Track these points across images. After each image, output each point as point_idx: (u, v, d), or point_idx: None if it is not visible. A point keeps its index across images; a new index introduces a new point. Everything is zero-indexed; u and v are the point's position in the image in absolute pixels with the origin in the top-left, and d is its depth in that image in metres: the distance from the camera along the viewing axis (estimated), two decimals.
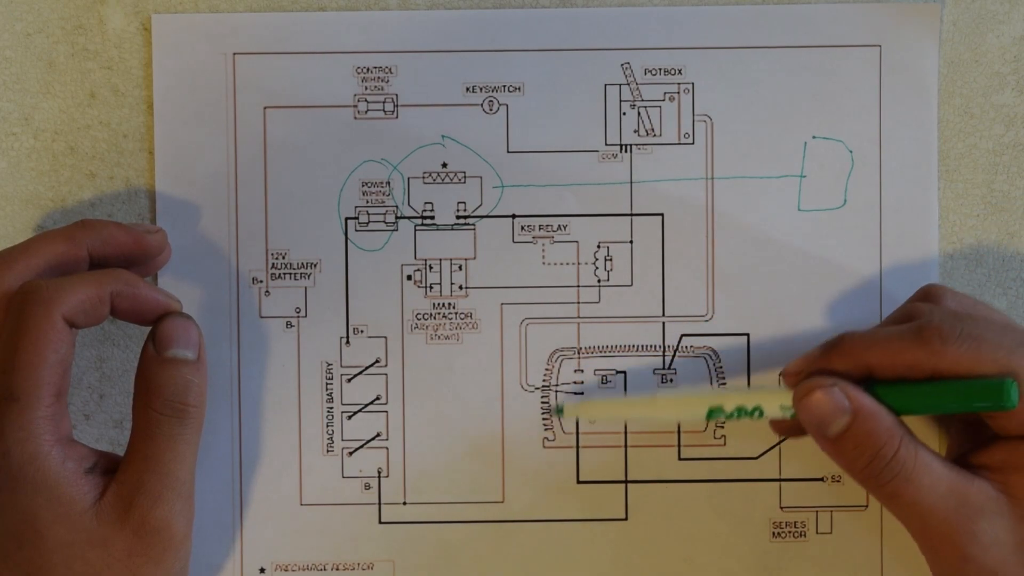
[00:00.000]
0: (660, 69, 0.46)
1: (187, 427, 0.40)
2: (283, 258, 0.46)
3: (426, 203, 0.46)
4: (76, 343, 0.41)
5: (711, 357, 0.46)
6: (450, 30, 0.46)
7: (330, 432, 0.46)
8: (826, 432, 0.39)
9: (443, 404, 0.46)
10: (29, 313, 0.39)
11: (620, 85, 0.46)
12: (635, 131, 0.46)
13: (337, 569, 0.46)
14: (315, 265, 0.46)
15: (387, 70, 0.46)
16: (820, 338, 0.45)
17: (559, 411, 0.44)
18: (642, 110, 0.46)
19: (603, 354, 0.46)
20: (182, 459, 0.40)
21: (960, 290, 0.46)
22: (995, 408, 0.38)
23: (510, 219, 0.46)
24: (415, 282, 0.46)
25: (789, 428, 0.43)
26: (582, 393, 0.46)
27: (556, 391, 0.46)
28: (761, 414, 0.41)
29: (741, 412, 0.41)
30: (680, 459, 0.46)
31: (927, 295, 0.43)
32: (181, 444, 0.40)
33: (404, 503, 0.46)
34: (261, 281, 0.46)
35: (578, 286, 0.46)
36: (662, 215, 0.46)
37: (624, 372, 0.46)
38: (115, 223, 0.42)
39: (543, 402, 0.46)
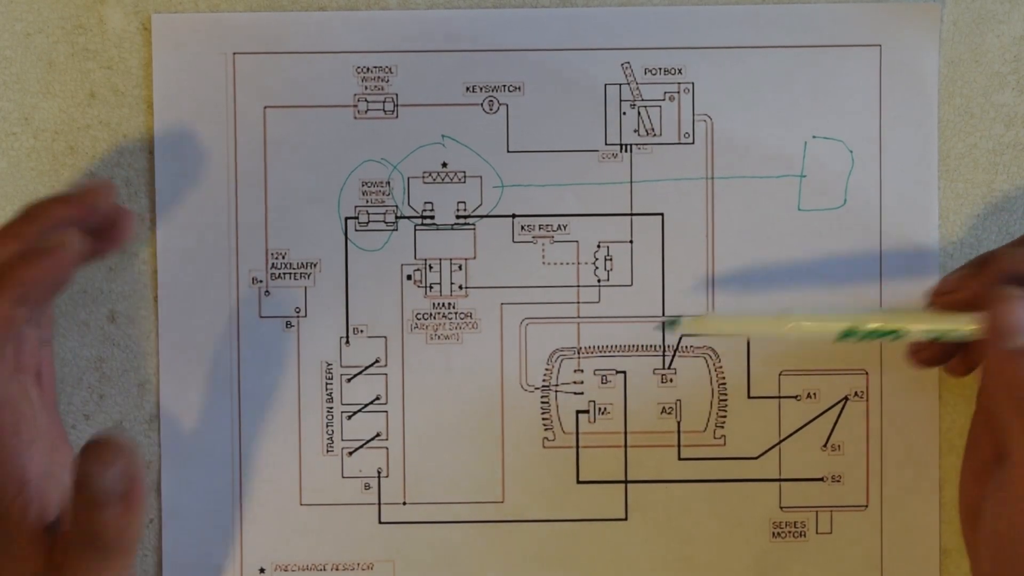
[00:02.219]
0: (660, 69, 0.46)
1: (113, 567, 0.36)
2: (283, 258, 0.46)
3: (426, 203, 0.46)
4: (77, 344, 0.40)
5: (711, 357, 0.46)
6: (450, 30, 0.46)
7: (330, 432, 0.46)
8: (1006, 343, 0.38)
9: (443, 404, 0.46)
10: None
11: (620, 85, 0.46)
12: (635, 131, 0.46)
13: (337, 569, 0.46)
14: (315, 265, 0.46)
15: (387, 70, 0.46)
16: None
17: (672, 323, 0.43)
18: (642, 110, 0.46)
19: (603, 354, 0.46)
20: None
21: None
22: None
23: (510, 219, 0.46)
24: (415, 282, 0.46)
25: (927, 356, 0.42)
26: (582, 394, 0.46)
27: (556, 391, 0.46)
28: (897, 336, 0.40)
29: (877, 334, 0.40)
30: (680, 459, 0.46)
31: None
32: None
33: (404, 503, 0.46)
34: (261, 281, 0.46)
35: (578, 286, 0.46)
36: (662, 215, 0.46)
37: (624, 372, 0.46)
38: (60, 199, 0.40)
39: (543, 402, 0.46)
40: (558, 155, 0.46)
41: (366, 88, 0.46)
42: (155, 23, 0.45)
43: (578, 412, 0.46)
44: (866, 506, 0.46)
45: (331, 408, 0.46)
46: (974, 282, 0.40)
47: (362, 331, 0.46)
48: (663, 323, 0.44)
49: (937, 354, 0.41)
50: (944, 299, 0.41)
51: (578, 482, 0.46)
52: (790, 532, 0.46)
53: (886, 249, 0.46)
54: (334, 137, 0.46)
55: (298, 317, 0.46)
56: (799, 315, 0.41)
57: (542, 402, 0.46)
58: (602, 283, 0.46)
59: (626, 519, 0.46)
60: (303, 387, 0.46)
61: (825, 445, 0.46)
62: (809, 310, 0.44)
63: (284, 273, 0.46)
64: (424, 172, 0.46)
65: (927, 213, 0.46)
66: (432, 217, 0.46)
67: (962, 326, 0.40)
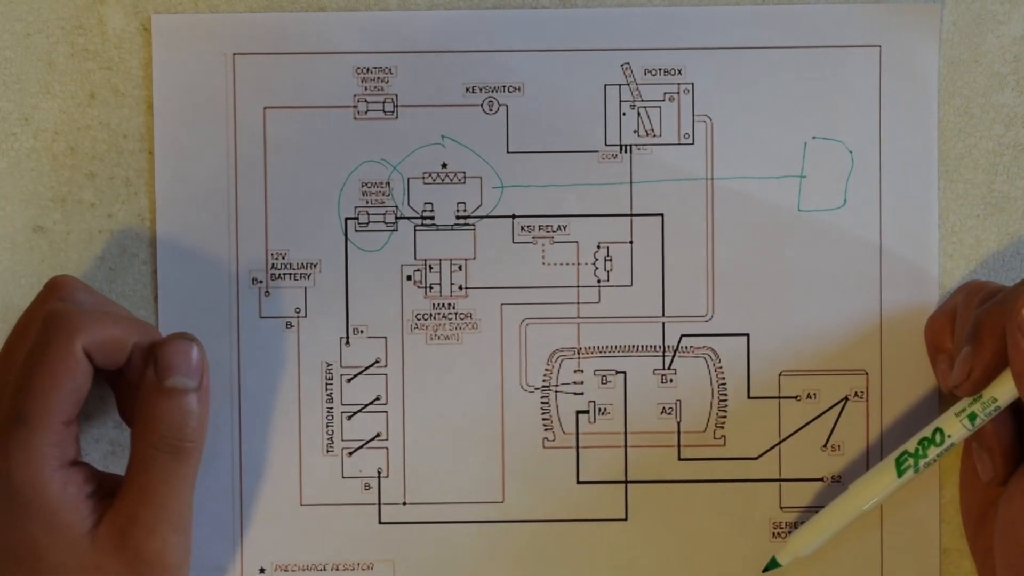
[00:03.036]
0: (660, 69, 0.46)
1: (184, 463, 0.40)
2: (283, 258, 0.46)
3: (426, 203, 0.46)
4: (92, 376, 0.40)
5: (711, 357, 0.46)
6: (450, 30, 0.46)
7: (330, 432, 0.46)
8: None
9: (443, 404, 0.46)
10: (51, 338, 0.39)
11: (620, 85, 0.46)
12: (635, 131, 0.46)
13: (337, 569, 0.46)
14: (315, 265, 0.46)
15: (387, 70, 0.46)
16: (820, 338, 0.45)
17: (772, 566, 0.44)
18: (642, 110, 0.46)
19: (603, 354, 0.46)
20: (178, 494, 0.40)
21: None
22: None
23: (510, 219, 0.46)
24: (415, 282, 0.46)
25: (986, 445, 0.42)
26: (582, 394, 0.46)
27: (556, 391, 0.46)
28: (944, 438, 0.42)
29: (926, 444, 0.42)
30: (680, 459, 0.46)
31: None
32: (176, 479, 0.40)
33: (404, 503, 0.46)
34: (261, 281, 0.46)
35: (578, 286, 0.46)
36: (662, 215, 0.46)
37: (624, 372, 0.46)
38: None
39: (543, 402, 0.46)
40: (558, 155, 0.46)
41: (366, 89, 0.46)
42: (155, 23, 0.45)
43: (578, 412, 0.46)
44: None
45: (331, 408, 0.46)
46: (982, 352, 0.40)
47: (362, 331, 0.46)
48: (764, 571, 0.45)
49: (990, 437, 0.42)
50: (968, 384, 0.41)
51: (578, 482, 0.46)
52: (790, 532, 0.46)
53: (886, 249, 0.46)
54: (334, 137, 0.46)
55: (298, 317, 0.46)
56: (857, 481, 0.43)
57: (542, 402, 0.46)
58: (602, 283, 0.46)
59: (626, 519, 0.46)
60: (303, 387, 0.46)
61: (825, 445, 0.46)
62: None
63: (284, 273, 0.46)
64: (424, 172, 0.46)
65: (927, 213, 0.46)
66: (432, 217, 0.46)
67: (1002, 394, 0.41)
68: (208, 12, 0.46)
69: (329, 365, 0.46)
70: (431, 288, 0.46)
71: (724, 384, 0.46)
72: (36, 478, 0.38)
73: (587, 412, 0.46)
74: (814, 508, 0.46)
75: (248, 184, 0.46)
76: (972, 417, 0.41)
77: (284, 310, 0.46)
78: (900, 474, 0.42)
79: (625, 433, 0.46)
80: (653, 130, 0.46)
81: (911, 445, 0.42)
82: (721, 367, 0.46)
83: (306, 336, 0.46)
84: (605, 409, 0.46)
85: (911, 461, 0.42)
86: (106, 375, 0.42)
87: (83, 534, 0.39)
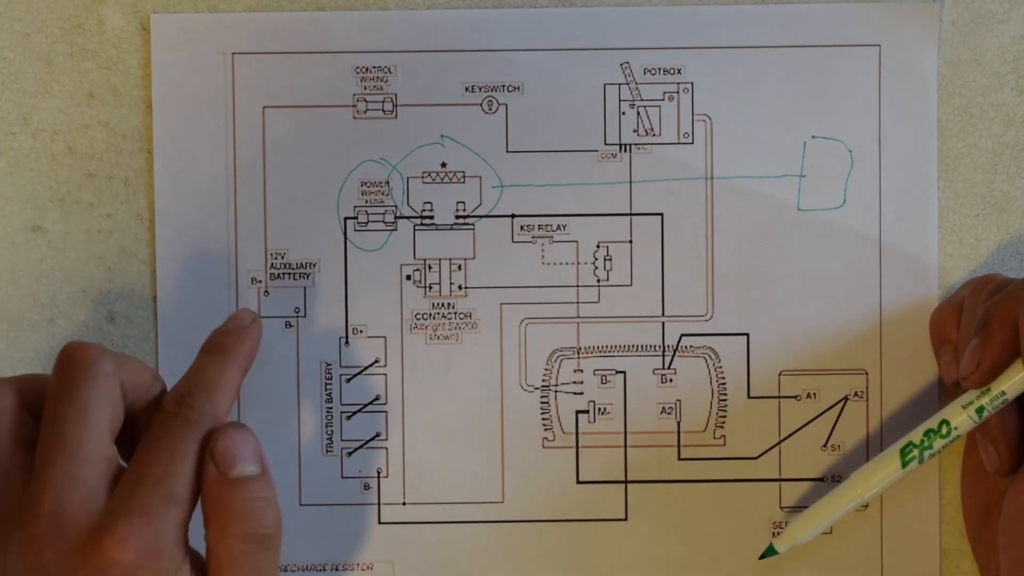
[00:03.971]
0: (660, 69, 0.46)
1: (273, 552, 0.38)
2: (282, 258, 0.46)
3: (425, 203, 0.46)
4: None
5: (711, 357, 0.46)
6: (449, 30, 0.45)
7: (329, 432, 0.46)
8: None
9: (443, 404, 0.46)
10: (197, 428, 0.38)
11: (620, 85, 0.46)
12: (635, 131, 0.46)
13: (337, 569, 0.46)
14: (314, 265, 0.46)
15: (386, 70, 0.46)
16: (820, 338, 0.45)
17: (770, 553, 0.44)
18: (641, 110, 0.46)
19: (603, 354, 0.46)
20: None
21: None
22: None
23: (509, 219, 0.46)
24: (414, 282, 0.46)
25: (991, 435, 0.42)
26: (582, 394, 0.46)
27: (556, 391, 0.46)
28: (949, 430, 0.41)
29: (931, 435, 0.42)
30: (680, 459, 0.46)
31: None
32: (267, 570, 0.38)
33: (404, 503, 0.46)
34: (260, 281, 0.46)
35: (578, 286, 0.46)
36: (662, 215, 0.46)
37: (624, 372, 0.46)
38: (238, 335, 0.42)
39: (543, 402, 0.46)
40: (558, 155, 0.46)
41: (365, 88, 0.46)
42: (154, 23, 0.45)
43: (578, 412, 0.46)
44: (866, 506, 0.46)
45: (331, 408, 0.46)
46: (992, 344, 0.40)
47: (362, 331, 0.46)
48: (761, 558, 0.45)
49: (994, 428, 0.41)
50: (976, 376, 0.40)
51: (578, 482, 0.46)
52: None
53: (886, 249, 0.46)
54: (333, 137, 0.46)
55: (298, 317, 0.46)
56: (859, 472, 0.43)
57: (542, 402, 0.46)
58: (602, 283, 0.46)
59: (626, 519, 0.46)
60: (302, 387, 0.46)
61: (825, 445, 0.46)
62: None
63: (284, 273, 0.46)
64: (423, 172, 0.46)
65: (927, 213, 0.46)
66: (431, 217, 0.46)
67: (1012, 388, 0.40)
68: (207, 12, 0.46)
69: (328, 365, 0.46)
70: (431, 288, 0.46)
71: (724, 384, 0.46)
72: (179, 559, 0.37)
73: (587, 412, 0.46)
74: None
75: (247, 184, 0.46)
76: (980, 410, 0.41)
77: (283, 310, 0.46)
78: (904, 464, 0.42)
79: (625, 433, 0.46)
80: (653, 129, 0.46)
81: (916, 436, 0.42)
82: (721, 367, 0.46)
83: (305, 336, 0.46)
84: (605, 409, 0.46)
85: (915, 452, 0.42)
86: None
87: None
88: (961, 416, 0.41)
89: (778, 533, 0.46)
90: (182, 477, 0.37)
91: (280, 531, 0.38)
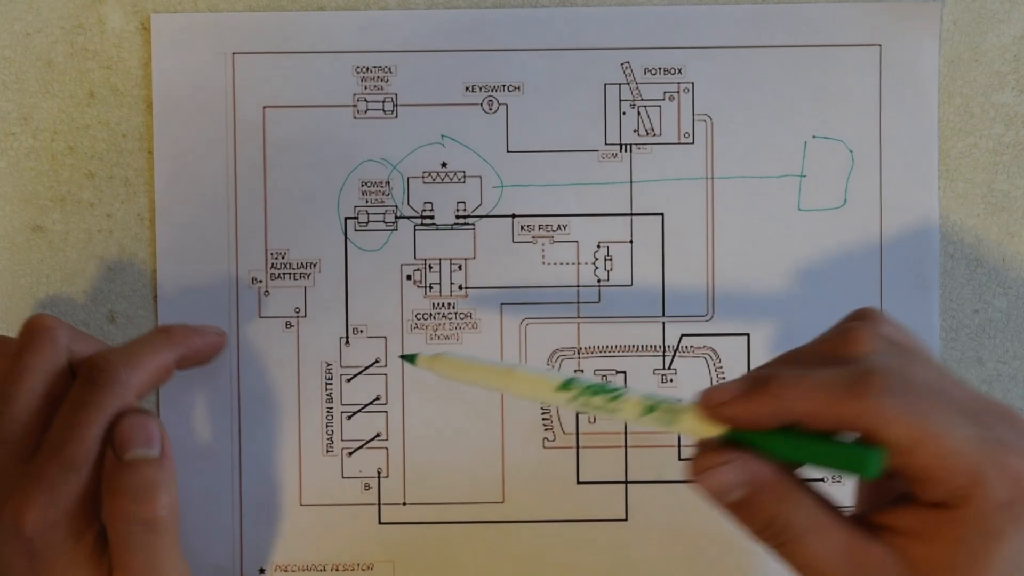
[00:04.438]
0: (660, 69, 0.46)
1: (160, 536, 0.38)
2: (282, 258, 0.46)
3: (426, 203, 0.46)
4: (81, 350, 0.40)
5: (711, 357, 0.46)
6: (450, 30, 0.45)
7: (330, 432, 0.46)
8: (724, 500, 0.35)
9: (443, 404, 0.46)
10: (106, 395, 0.38)
11: (620, 85, 0.46)
12: (635, 131, 0.46)
13: (337, 569, 0.46)
14: (315, 265, 0.46)
15: (387, 70, 0.46)
16: None
17: (410, 359, 0.40)
18: (642, 110, 0.46)
19: (603, 354, 0.46)
20: (164, 566, 0.38)
21: (960, 291, 0.46)
22: (857, 474, 0.34)
23: (510, 219, 0.46)
24: (415, 282, 0.46)
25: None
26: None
27: None
28: (617, 396, 0.36)
29: (596, 390, 0.37)
30: (680, 459, 0.46)
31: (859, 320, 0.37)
32: (159, 553, 0.38)
33: (404, 503, 0.46)
34: (260, 281, 0.46)
35: (578, 286, 0.46)
36: (662, 215, 0.46)
37: (624, 372, 0.46)
38: (190, 329, 0.43)
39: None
40: (558, 155, 0.46)
41: (366, 88, 0.46)
42: (154, 23, 0.45)
43: (578, 412, 0.46)
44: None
45: (331, 408, 0.46)
46: (736, 409, 0.35)
47: (362, 331, 0.46)
48: (401, 357, 0.44)
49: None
50: (710, 412, 0.36)
51: (578, 482, 0.46)
52: None
53: (886, 249, 0.46)
54: (334, 137, 0.46)
55: (298, 317, 0.46)
56: (524, 367, 0.38)
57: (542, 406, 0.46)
58: (602, 283, 0.46)
59: (626, 519, 0.46)
60: (303, 387, 0.46)
61: None
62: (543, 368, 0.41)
63: (284, 273, 0.46)
64: (424, 172, 0.46)
65: (927, 213, 0.46)
66: (432, 217, 0.46)
67: (680, 412, 0.36)
68: (208, 11, 0.46)
69: (329, 365, 0.46)
70: (431, 288, 0.46)
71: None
72: (82, 529, 0.37)
73: (587, 412, 0.46)
74: None
75: (248, 183, 0.46)
76: (651, 409, 0.36)
77: (284, 310, 0.46)
78: (564, 387, 0.37)
79: (625, 433, 0.46)
80: (653, 129, 0.46)
81: (583, 382, 0.37)
82: (721, 367, 0.46)
83: (306, 336, 0.46)
84: None
85: (577, 389, 0.37)
86: None
87: None
88: (636, 399, 0.36)
89: None
90: (82, 444, 0.37)
91: (174, 517, 0.38)
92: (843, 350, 0.35)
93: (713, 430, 0.35)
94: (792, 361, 0.36)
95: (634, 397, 0.36)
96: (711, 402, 0.35)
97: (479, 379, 0.38)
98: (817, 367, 0.35)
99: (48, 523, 0.37)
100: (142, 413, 0.39)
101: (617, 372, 0.46)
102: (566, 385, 0.37)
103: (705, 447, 0.35)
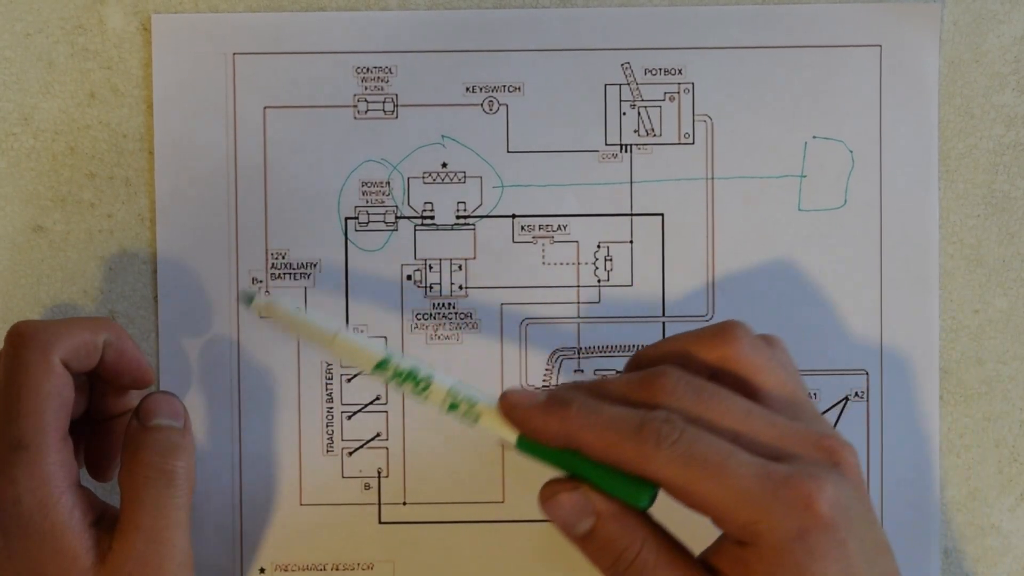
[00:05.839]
0: (660, 69, 0.46)
1: (175, 491, 0.39)
2: (283, 258, 0.46)
3: (426, 203, 0.46)
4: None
5: None
6: (450, 30, 0.45)
7: (330, 432, 0.46)
8: (572, 532, 0.36)
9: None
10: (27, 358, 0.39)
11: (620, 85, 0.46)
12: (635, 131, 0.46)
13: (337, 569, 0.46)
14: (315, 265, 0.46)
15: (387, 70, 0.46)
16: (820, 338, 0.45)
17: (248, 299, 0.40)
18: (642, 110, 0.46)
19: (603, 354, 0.46)
20: (176, 526, 0.39)
21: (960, 291, 0.46)
22: (631, 503, 0.35)
23: (510, 219, 0.46)
24: (415, 282, 0.46)
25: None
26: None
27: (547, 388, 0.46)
28: (427, 387, 0.37)
29: (407, 377, 0.37)
30: None
31: (722, 336, 0.38)
32: (172, 510, 0.39)
33: (404, 503, 0.46)
34: (261, 281, 0.46)
35: (578, 286, 0.46)
36: (662, 215, 0.46)
37: None
38: (133, 343, 0.42)
39: None
40: (558, 155, 0.46)
41: (366, 88, 0.46)
42: (155, 23, 0.45)
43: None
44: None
45: (331, 408, 0.46)
46: (530, 417, 0.36)
47: (362, 331, 0.46)
48: (239, 294, 0.43)
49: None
50: (506, 408, 0.36)
51: None
52: None
53: (886, 249, 0.46)
54: (334, 137, 0.46)
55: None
56: (348, 335, 0.38)
57: None
58: (602, 283, 0.46)
59: None
60: (303, 387, 0.46)
61: None
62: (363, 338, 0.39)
63: (284, 273, 0.46)
64: (424, 172, 0.46)
65: (927, 213, 0.46)
66: (432, 217, 0.46)
67: (480, 410, 0.37)
68: (208, 12, 0.46)
69: (329, 365, 0.46)
70: (431, 288, 0.46)
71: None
72: (46, 501, 0.38)
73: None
74: None
75: (248, 184, 0.46)
76: (454, 405, 0.37)
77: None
78: (378, 367, 0.37)
79: None
80: (653, 130, 0.46)
81: (400, 363, 0.37)
82: None
83: None
84: None
85: (391, 370, 0.37)
86: (75, 429, 0.42)
87: (87, 567, 0.38)
88: (442, 393, 0.37)
89: None
90: (21, 420, 0.38)
91: (189, 483, 0.40)
92: (645, 394, 0.36)
93: (509, 433, 0.36)
94: (599, 392, 0.37)
95: (441, 390, 0.37)
96: (508, 403, 0.36)
97: (305, 335, 0.40)
98: (618, 403, 0.36)
99: (10, 500, 0.38)
100: (167, 393, 0.42)
101: (617, 372, 0.46)
102: (381, 365, 0.37)
103: (554, 479, 0.36)
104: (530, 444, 0.36)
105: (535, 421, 0.36)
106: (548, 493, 0.36)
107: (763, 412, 0.36)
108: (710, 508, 0.34)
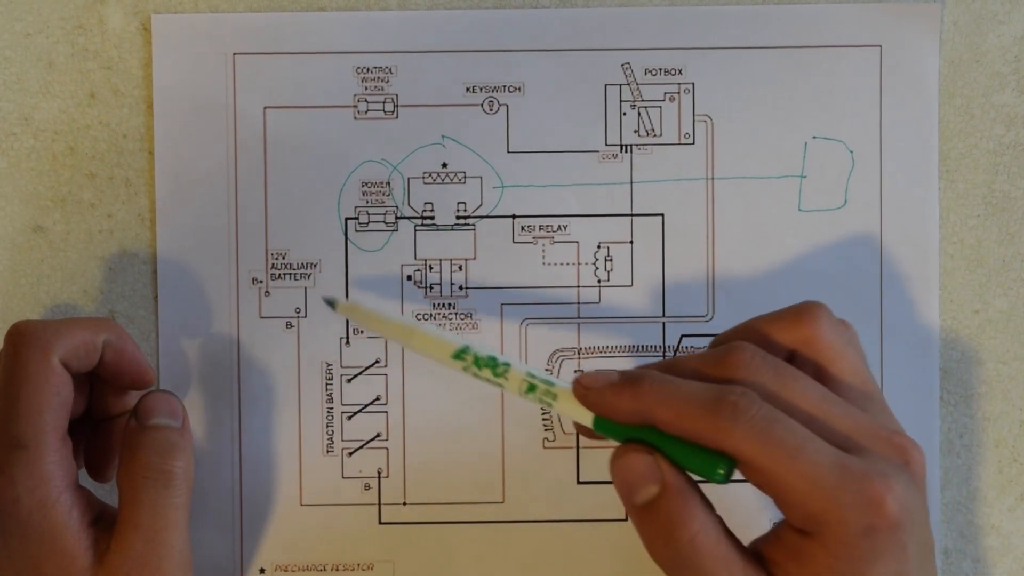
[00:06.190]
0: (660, 69, 0.46)
1: (173, 492, 0.40)
2: (283, 258, 0.46)
3: (426, 203, 0.46)
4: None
5: None
6: (450, 30, 0.45)
7: (330, 432, 0.46)
8: (633, 499, 0.36)
9: (443, 404, 0.46)
10: (27, 357, 0.39)
11: (620, 85, 0.46)
12: (635, 131, 0.46)
13: (337, 569, 0.46)
14: (315, 265, 0.46)
15: (387, 70, 0.46)
16: None
17: (331, 304, 0.40)
18: (642, 110, 0.46)
19: (603, 354, 0.46)
20: (174, 525, 0.39)
21: (960, 291, 0.46)
22: (705, 478, 0.35)
23: (510, 219, 0.46)
24: (415, 282, 0.46)
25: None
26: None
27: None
28: (507, 370, 0.37)
29: (487, 363, 0.37)
30: None
31: (803, 316, 0.38)
32: (170, 510, 0.39)
33: (404, 503, 0.46)
34: (261, 281, 0.46)
35: (578, 286, 0.46)
36: (662, 215, 0.46)
37: None
38: (134, 342, 0.42)
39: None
40: (558, 155, 0.46)
41: (366, 88, 0.46)
42: (155, 23, 0.45)
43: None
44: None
45: (331, 408, 0.46)
46: (607, 396, 0.36)
47: (362, 331, 0.46)
48: (324, 299, 0.42)
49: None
50: (581, 392, 0.36)
51: (578, 482, 0.46)
52: None
53: (887, 249, 0.46)
54: (334, 137, 0.46)
55: (298, 317, 0.46)
56: (427, 327, 0.39)
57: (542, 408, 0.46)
58: (602, 283, 0.46)
59: (626, 519, 0.46)
60: (303, 387, 0.46)
61: None
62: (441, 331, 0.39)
63: (284, 273, 0.46)
64: (424, 172, 0.46)
65: (927, 213, 0.46)
66: (432, 217, 0.46)
67: (557, 393, 0.37)
68: (208, 12, 0.46)
69: (329, 365, 0.46)
70: (431, 288, 0.46)
71: None
72: (44, 501, 0.38)
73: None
74: None
75: (248, 184, 0.46)
76: (532, 388, 0.37)
77: (284, 310, 0.46)
78: (456, 356, 0.38)
79: None
80: (653, 130, 0.46)
81: (483, 350, 0.38)
82: None
83: (306, 336, 0.46)
84: None
85: (471, 358, 0.38)
86: (75, 428, 0.42)
87: (86, 567, 0.39)
88: (520, 376, 0.37)
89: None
90: (21, 420, 0.39)
91: (187, 483, 0.40)
92: (721, 370, 0.36)
93: (585, 415, 0.37)
94: (675, 368, 0.37)
95: (518, 374, 0.37)
96: (582, 386, 0.36)
97: (385, 332, 0.40)
98: (694, 379, 0.36)
99: (9, 500, 0.38)
100: (165, 392, 0.42)
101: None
102: (460, 353, 0.38)
103: (629, 443, 0.36)
104: (607, 424, 0.36)
105: (609, 400, 0.36)
106: (620, 452, 0.36)
107: (839, 401, 0.36)
108: (782, 491, 0.34)
